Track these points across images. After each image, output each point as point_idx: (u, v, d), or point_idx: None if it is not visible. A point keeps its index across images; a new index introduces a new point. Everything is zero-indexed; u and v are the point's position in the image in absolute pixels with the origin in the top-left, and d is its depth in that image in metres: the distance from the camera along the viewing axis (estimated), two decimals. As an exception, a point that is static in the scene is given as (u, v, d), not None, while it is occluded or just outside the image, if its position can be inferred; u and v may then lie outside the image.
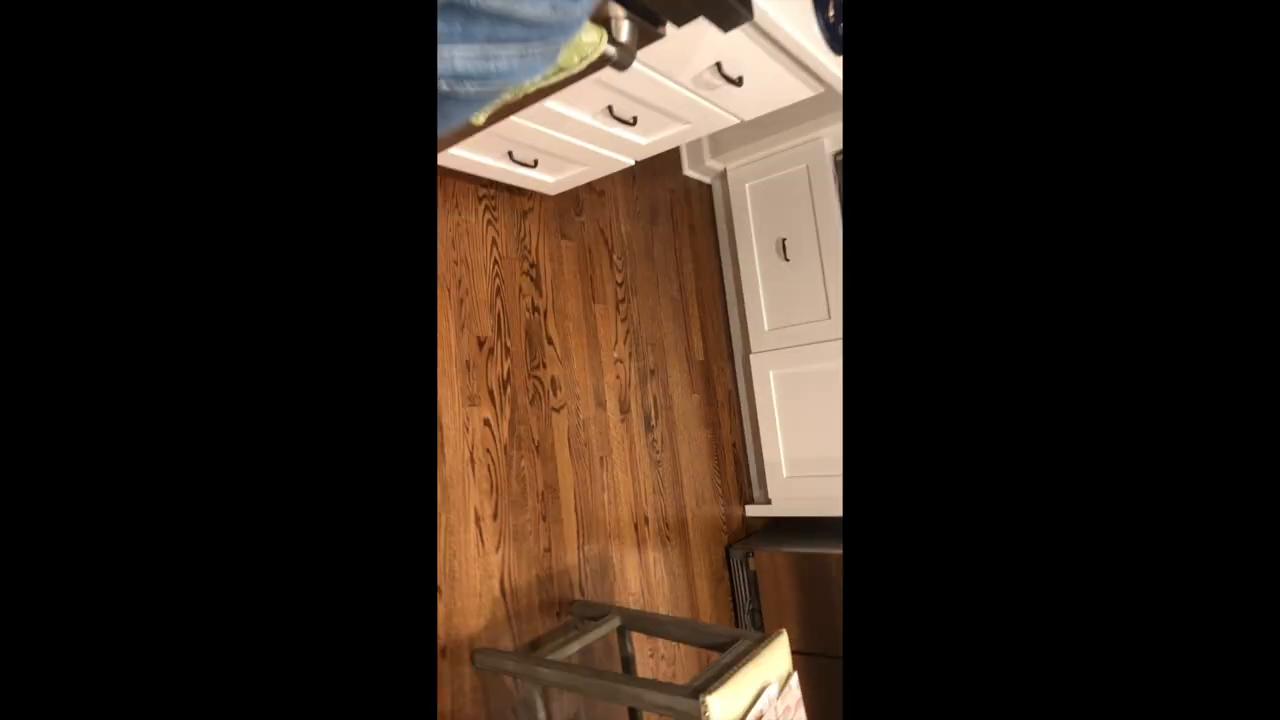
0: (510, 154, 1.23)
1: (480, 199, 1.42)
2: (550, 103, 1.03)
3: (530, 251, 1.51)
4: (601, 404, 1.62)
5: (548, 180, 1.39)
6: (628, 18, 0.77)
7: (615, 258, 1.75)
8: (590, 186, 1.71)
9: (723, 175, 2.13)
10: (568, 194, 1.64)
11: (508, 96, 0.83)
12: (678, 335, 1.91)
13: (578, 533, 1.50)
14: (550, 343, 1.52)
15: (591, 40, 0.71)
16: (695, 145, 2.06)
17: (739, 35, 0.90)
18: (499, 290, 1.42)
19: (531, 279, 1.50)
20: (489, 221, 1.43)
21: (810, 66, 1.01)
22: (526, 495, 1.40)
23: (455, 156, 1.20)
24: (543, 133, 1.13)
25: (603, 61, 0.75)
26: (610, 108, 1.07)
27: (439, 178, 1.34)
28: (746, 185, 2.04)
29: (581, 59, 0.73)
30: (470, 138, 1.12)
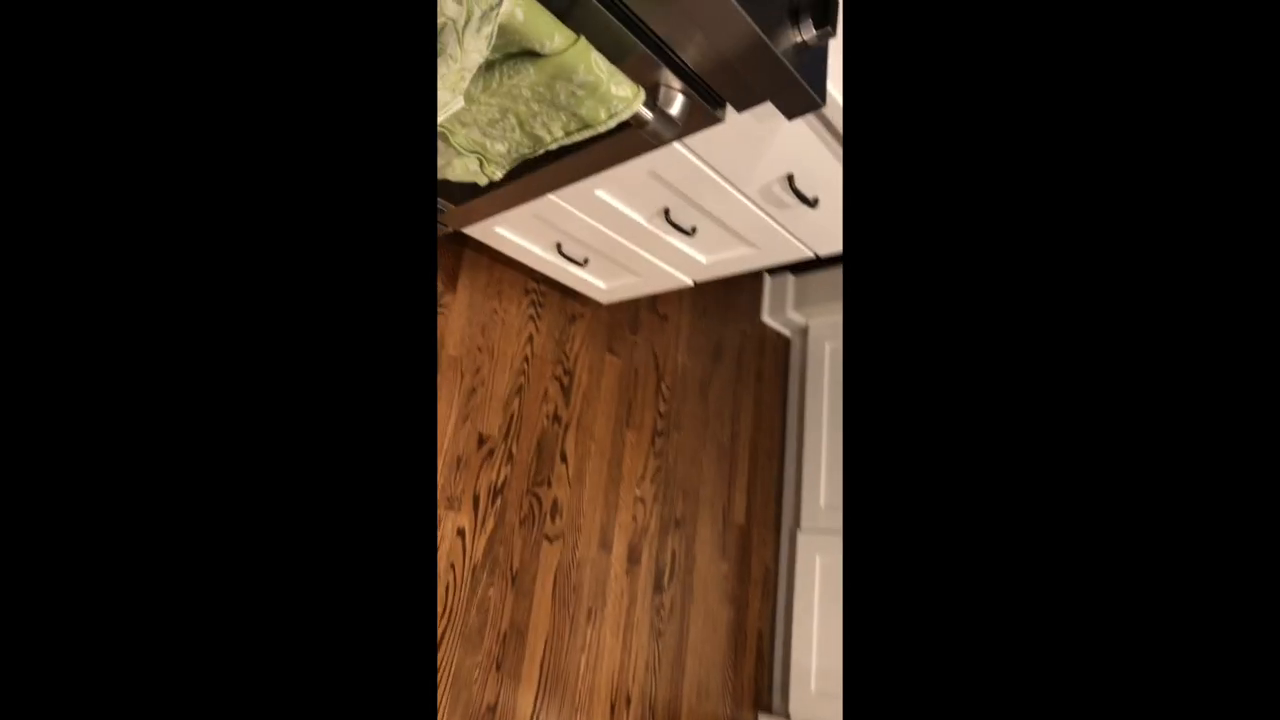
0: (559, 246, 1.14)
1: (527, 292, 1.33)
2: (600, 192, 0.94)
3: (568, 358, 1.39)
4: (607, 545, 1.39)
5: (600, 286, 1.29)
6: (683, 91, 0.66)
7: (664, 385, 1.59)
8: (653, 308, 1.60)
9: (804, 331, 1.98)
10: (626, 309, 1.53)
11: (525, 151, 0.73)
12: (718, 488, 1.68)
13: (536, 696, 1.22)
14: (564, 460, 1.34)
15: (623, 95, 0.60)
16: (779, 290, 1.94)
17: (816, 145, 0.78)
18: (521, 389, 1.29)
19: (562, 386, 1.37)
20: (531, 316, 1.33)
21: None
22: (484, 633, 1.16)
23: (501, 238, 1.12)
24: (592, 226, 1.03)
25: (636, 127, 0.64)
26: (667, 211, 0.97)
27: (487, 261, 1.27)
28: (828, 346, 1.88)
29: (610, 115, 0.62)
30: (514, 217, 1.04)
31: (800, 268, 1.96)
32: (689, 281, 1.19)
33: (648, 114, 0.63)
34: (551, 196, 0.96)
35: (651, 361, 1.57)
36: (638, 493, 1.48)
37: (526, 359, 1.31)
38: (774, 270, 1.99)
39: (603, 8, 0.57)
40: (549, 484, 1.31)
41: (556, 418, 1.35)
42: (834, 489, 1.72)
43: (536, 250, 1.17)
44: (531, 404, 1.30)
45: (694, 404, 1.66)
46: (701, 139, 0.79)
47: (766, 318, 1.95)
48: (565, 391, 1.37)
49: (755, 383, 1.86)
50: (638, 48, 0.61)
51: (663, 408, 1.58)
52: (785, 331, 2.01)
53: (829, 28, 0.58)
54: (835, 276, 1.88)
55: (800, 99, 0.62)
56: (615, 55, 0.61)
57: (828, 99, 0.69)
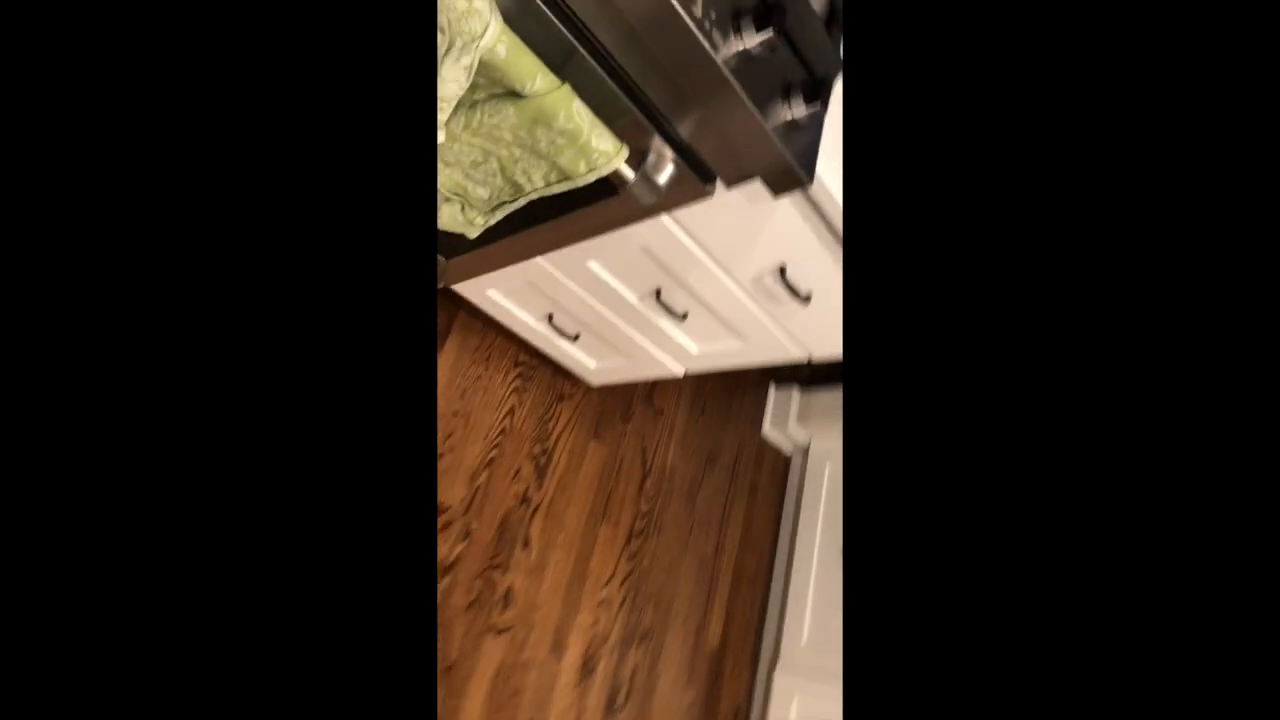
0: (550, 317, 1.11)
1: (517, 364, 1.30)
2: (593, 264, 0.92)
3: (549, 437, 1.33)
4: (559, 648, 1.27)
5: (589, 365, 1.25)
6: (674, 161, 0.65)
7: (648, 483, 1.51)
8: (649, 399, 1.55)
9: (805, 450, 1.90)
10: (618, 396, 1.48)
11: (506, 198, 0.71)
12: (694, 603, 1.55)
13: (447, 817, 1.07)
14: (526, 545, 1.25)
15: (604, 149, 0.59)
16: (783, 403, 1.88)
17: (809, 238, 0.75)
18: (491, 462, 1.22)
19: (537, 466, 1.30)
20: (516, 389, 1.29)
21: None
22: (401, 728, 1.03)
23: (494, 302, 1.10)
24: (584, 299, 1.01)
25: (618, 185, 0.62)
26: (659, 291, 0.94)
27: (481, 326, 1.24)
28: (828, 468, 1.79)
29: (590, 169, 0.60)
30: (507, 281, 1.03)
31: (807, 381, 1.91)
32: (679, 371, 1.15)
33: (629, 173, 0.61)
34: (544, 264, 0.94)
35: (639, 455, 1.51)
36: (603, 595, 1.36)
37: (504, 431, 1.25)
38: (780, 380, 1.94)
39: (598, 67, 0.56)
40: (506, 569, 1.21)
41: (526, 499, 1.27)
42: (819, 627, 1.58)
43: (528, 319, 1.14)
44: (501, 479, 1.23)
45: (679, 508, 1.57)
46: (693, 217, 0.78)
47: (768, 429, 1.88)
48: (540, 472, 1.30)
49: (748, 496, 1.77)
50: (630, 111, 0.60)
51: (644, 507, 1.49)
52: (786, 447, 1.93)
53: (819, 105, 0.56)
54: (841, 398, 1.82)
55: (788, 177, 0.60)
56: (607, 115, 0.61)
57: (817, 181, 0.67)
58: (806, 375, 1.94)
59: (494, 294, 1.09)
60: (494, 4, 0.49)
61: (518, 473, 1.26)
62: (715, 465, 1.69)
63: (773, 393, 1.93)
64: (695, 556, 1.58)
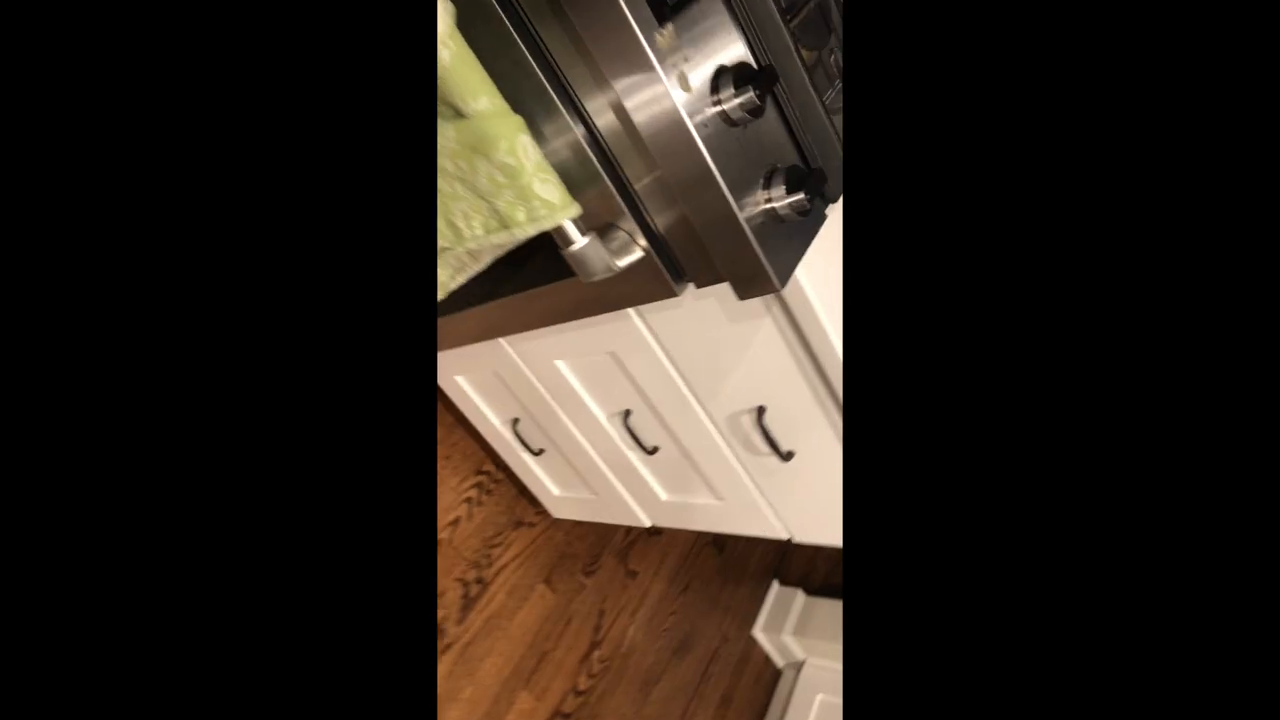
0: (515, 423, 0.99)
1: (479, 473, 1.16)
2: (561, 364, 0.82)
3: (491, 563, 1.15)
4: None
5: (552, 491, 1.10)
6: (645, 249, 0.56)
7: (595, 655, 1.27)
8: (623, 556, 1.35)
9: (798, 667, 1.60)
10: (588, 543, 1.30)
11: (445, 243, 0.63)
12: (612, 831, 1.23)
13: None
14: (420, 690, 1.03)
15: (547, 199, 0.50)
16: (783, 604, 1.62)
17: (796, 379, 0.62)
18: (412, 574, 1.05)
19: (465, 597, 1.11)
20: (469, 499, 1.14)
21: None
22: None
23: (460, 391, 1.00)
24: (549, 404, 0.89)
25: (563, 247, 0.53)
26: (628, 414, 0.81)
27: (451, 421, 1.14)
28: (818, 699, 1.49)
29: (530, 219, 0.51)
30: (474, 369, 0.93)
31: (818, 589, 1.66)
32: (646, 521, 0.98)
33: (575, 235, 0.52)
34: (512, 354, 0.85)
35: (593, 618, 1.28)
36: (498, 783, 1.09)
37: (440, 543, 1.09)
38: (786, 578, 1.69)
39: (561, 105, 0.50)
40: (384, 712, 0.99)
41: (441, 630, 1.07)
42: None
43: (494, 419, 1.03)
44: (417, 599, 1.05)
45: (626, 698, 1.30)
46: (666, 325, 0.67)
47: (759, 632, 1.60)
48: (467, 602, 1.11)
49: (717, 706, 1.47)
50: (601, 180, 0.52)
51: (583, 683, 1.24)
52: (777, 659, 1.64)
53: (806, 197, 0.46)
54: (851, 613, 1.55)
55: (757, 277, 0.49)
56: (575, 181, 0.53)
57: (805, 309, 0.55)
58: (819, 582, 1.69)
59: (461, 381, 0.99)
60: None
61: (440, 595, 1.08)
62: (685, 657, 1.43)
63: (775, 590, 1.68)
64: (632, 767, 1.28)
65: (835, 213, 0.56)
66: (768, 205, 0.47)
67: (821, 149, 0.52)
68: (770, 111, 0.49)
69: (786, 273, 0.49)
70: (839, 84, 0.54)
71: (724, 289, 0.59)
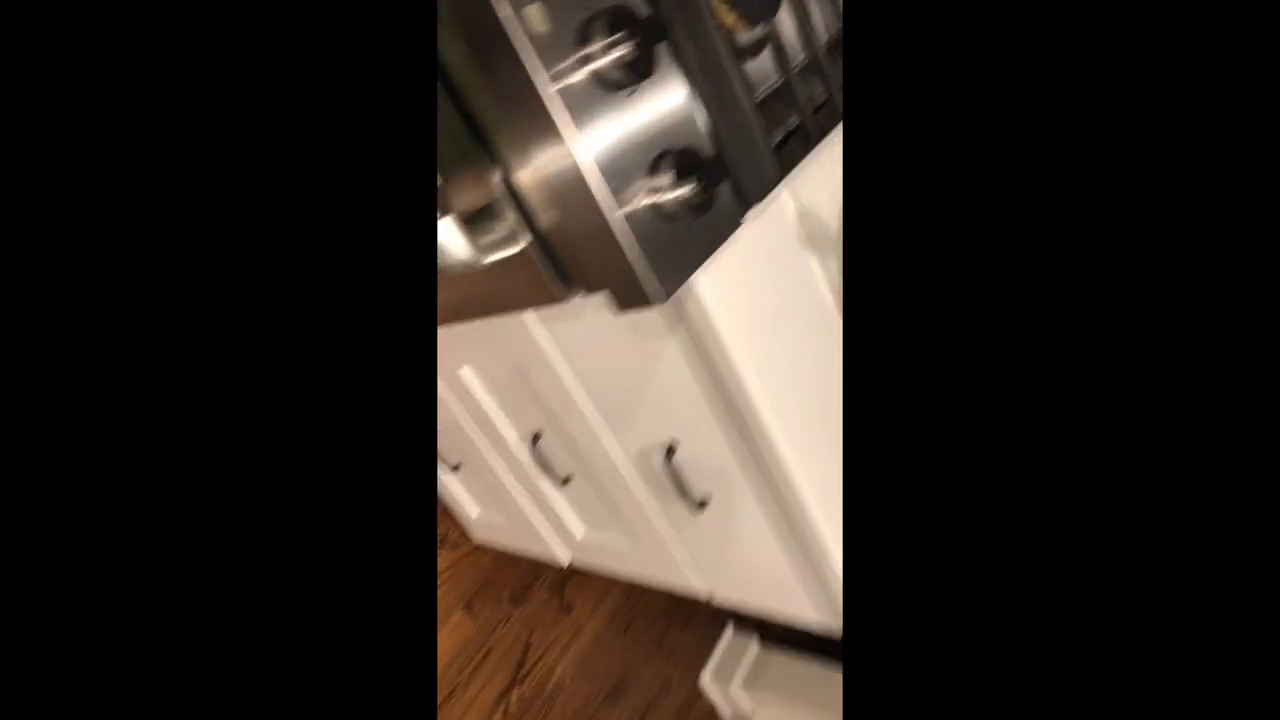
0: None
1: (403, 481, 1.06)
2: (466, 371, 0.72)
3: (403, 585, 1.05)
4: None
5: (470, 513, 1.00)
6: (526, 244, 0.46)
7: (516, 693, 1.16)
8: (559, 587, 1.25)
9: (747, 722, 1.47)
10: (520, 570, 1.20)
11: None
12: None
13: None
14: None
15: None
16: (735, 653, 1.50)
17: (704, 412, 0.52)
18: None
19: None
20: (386, 510, 1.04)
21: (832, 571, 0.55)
22: None
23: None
24: (457, 416, 0.79)
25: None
26: (537, 436, 0.71)
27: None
28: (765, 759, 1.36)
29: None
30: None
31: (780, 638, 1.54)
32: (564, 559, 0.88)
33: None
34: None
35: (518, 651, 1.17)
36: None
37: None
38: (741, 624, 1.57)
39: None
40: None
41: (333, 654, 0.97)
42: None
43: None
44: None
45: (545, 742, 1.19)
46: (568, 337, 0.57)
47: (708, 680, 1.48)
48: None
49: (650, 759, 1.35)
50: (473, 154, 0.43)
51: (498, 717, 1.13)
52: (724, 711, 1.51)
53: (694, 188, 0.37)
54: (806, 670, 1.43)
55: (633, 286, 0.39)
56: (443, 154, 0.44)
57: (714, 341, 0.45)
58: (778, 631, 1.57)
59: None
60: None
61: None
62: (619, 701, 1.31)
63: (728, 636, 1.56)
64: (544, 821, 1.16)
65: (767, 221, 0.46)
66: (651, 197, 0.38)
67: (741, 140, 0.42)
68: (677, 88, 0.40)
69: (674, 283, 0.39)
70: (788, 71, 0.45)
71: (626, 301, 0.50)
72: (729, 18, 0.45)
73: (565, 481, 0.74)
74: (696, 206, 0.38)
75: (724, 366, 0.47)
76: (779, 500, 0.54)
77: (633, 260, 0.37)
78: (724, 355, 0.46)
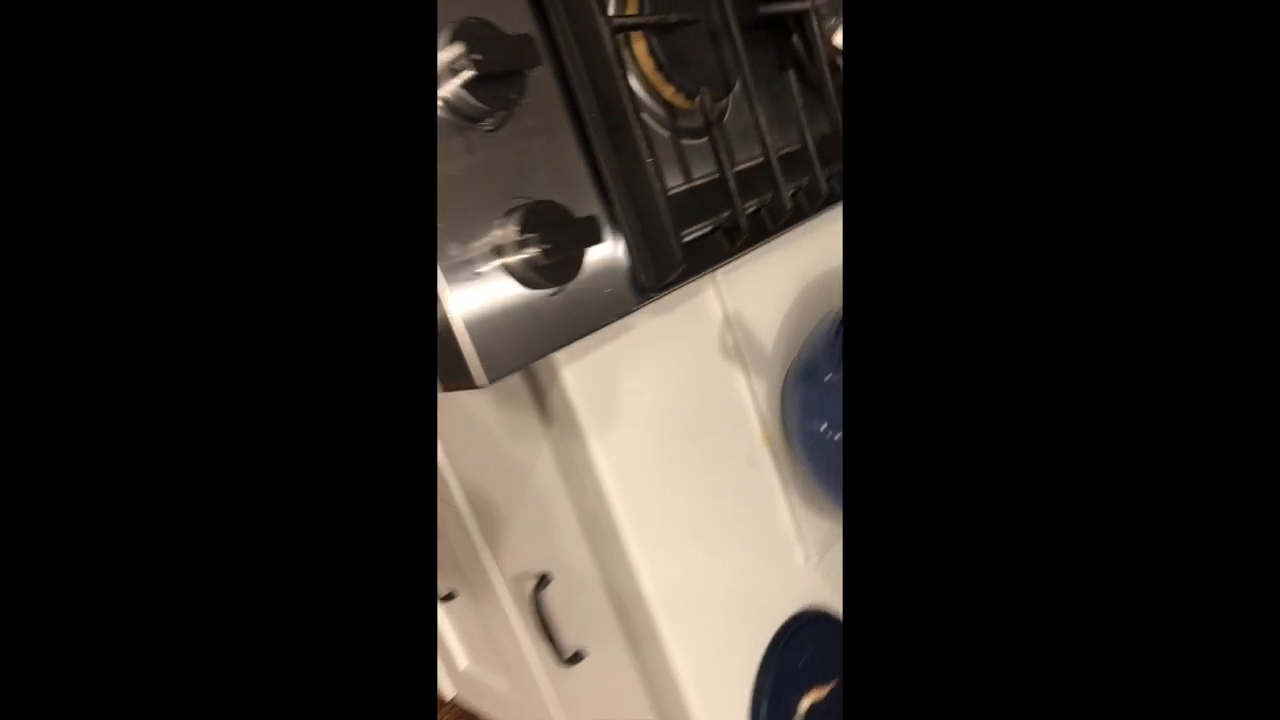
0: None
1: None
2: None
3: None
4: None
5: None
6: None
7: None
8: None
9: None
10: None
11: None
12: None
13: None
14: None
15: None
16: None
17: (580, 544, 0.42)
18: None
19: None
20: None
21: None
22: None
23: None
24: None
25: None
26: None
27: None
28: None
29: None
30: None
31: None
32: (448, 692, 0.74)
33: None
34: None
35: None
36: None
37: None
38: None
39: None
40: None
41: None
42: None
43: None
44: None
45: None
46: (443, 419, 0.48)
47: None
48: None
49: None
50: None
51: None
52: None
53: (540, 249, 0.29)
54: None
55: (453, 358, 0.30)
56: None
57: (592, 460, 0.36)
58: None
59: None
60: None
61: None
62: None
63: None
64: None
65: (682, 320, 0.38)
66: (492, 252, 0.30)
67: (637, 211, 0.35)
68: (571, 141, 0.33)
69: (506, 363, 0.30)
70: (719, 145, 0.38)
71: (504, 384, 0.41)
72: (666, 89, 0.39)
73: (448, 598, 0.62)
74: (550, 274, 0.30)
75: (591, 487, 0.37)
76: (650, 676, 0.41)
77: (453, 322, 0.29)
78: (591, 473, 0.37)
